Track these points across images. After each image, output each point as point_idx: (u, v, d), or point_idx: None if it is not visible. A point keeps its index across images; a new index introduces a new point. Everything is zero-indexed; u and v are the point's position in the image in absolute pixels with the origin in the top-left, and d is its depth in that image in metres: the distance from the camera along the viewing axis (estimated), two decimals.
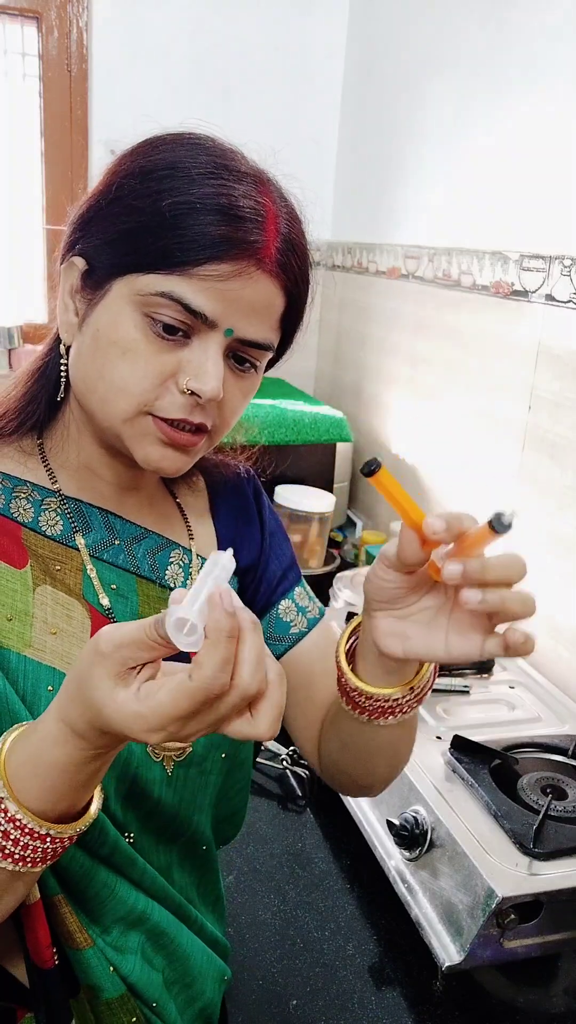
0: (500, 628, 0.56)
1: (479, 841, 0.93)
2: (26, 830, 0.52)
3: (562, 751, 1.12)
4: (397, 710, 0.66)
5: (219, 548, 0.81)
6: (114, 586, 0.71)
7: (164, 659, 0.50)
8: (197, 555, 0.78)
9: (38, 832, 0.52)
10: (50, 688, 0.64)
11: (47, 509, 0.70)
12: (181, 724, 0.47)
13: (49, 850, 0.53)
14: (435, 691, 1.25)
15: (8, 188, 2.15)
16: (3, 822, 0.52)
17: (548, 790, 1.02)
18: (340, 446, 2.00)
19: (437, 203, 1.81)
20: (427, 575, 0.59)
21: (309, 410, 1.97)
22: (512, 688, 1.30)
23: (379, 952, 0.97)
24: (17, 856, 0.52)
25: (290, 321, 0.68)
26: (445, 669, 1.32)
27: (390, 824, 1.02)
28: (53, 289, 0.71)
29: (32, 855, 0.53)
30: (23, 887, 0.56)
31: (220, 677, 0.46)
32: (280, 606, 0.83)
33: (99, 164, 1.49)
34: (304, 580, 0.87)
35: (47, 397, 0.71)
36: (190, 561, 0.77)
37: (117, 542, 0.72)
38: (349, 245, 2.27)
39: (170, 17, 2.11)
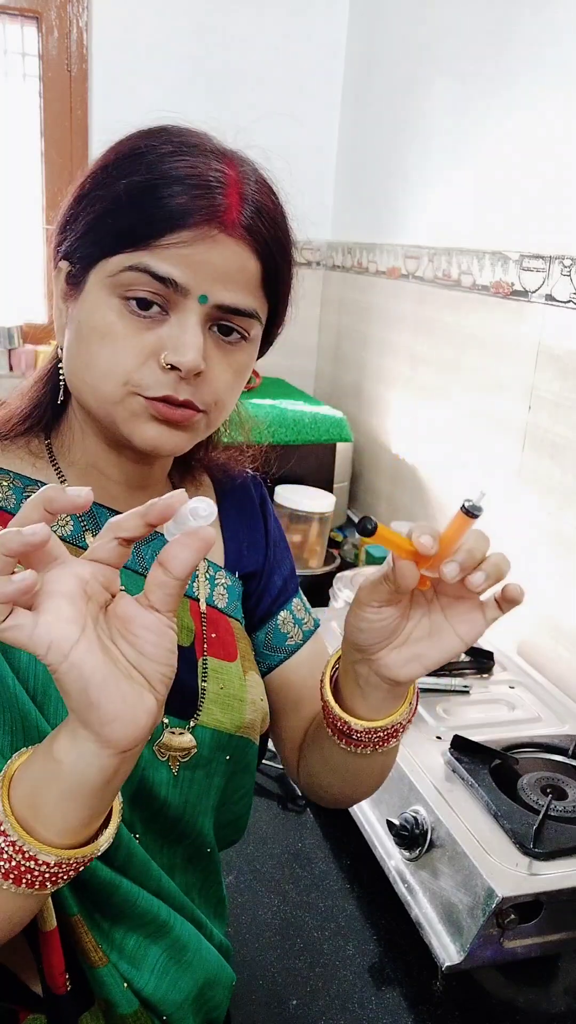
0: (483, 596, 0.61)
1: (479, 841, 0.93)
2: (27, 855, 0.49)
3: (562, 751, 1.12)
4: (399, 731, 0.70)
5: (225, 554, 0.81)
6: (123, 587, 0.71)
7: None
8: (204, 557, 0.78)
9: (30, 853, 0.49)
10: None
11: None
12: None
13: (54, 874, 0.51)
14: (435, 691, 1.25)
15: (8, 188, 2.14)
16: (3, 844, 0.49)
17: (548, 790, 1.02)
18: (340, 446, 2.00)
19: (437, 203, 1.81)
20: (406, 597, 0.63)
21: (309, 410, 1.97)
22: (512, 688, 1.30)
23: (379, 952, 0.97)
24: (19, 872, 0.50)
25: (274, 289, 0.67)
26: (445, 669, 1.32)
27: (390, 824, 1.02)
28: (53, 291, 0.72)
29: (31, 876, 0.50)
30: (34, 905, 0.54)
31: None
32: (279, 617, 0.83)
33: None
34: (301, 591, 0.88)
35: (50, 401, 0.72)
36: None
37: None
38: (349, 245, 2.27)
39: (170, 17, 2.11)
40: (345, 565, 1.92)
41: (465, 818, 0.97)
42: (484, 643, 1.42)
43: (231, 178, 0.62)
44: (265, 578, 0.83)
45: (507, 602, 0.60)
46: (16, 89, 2.11)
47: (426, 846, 0.97)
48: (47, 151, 2.16)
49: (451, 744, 1.08)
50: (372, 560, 1.84)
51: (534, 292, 1.44)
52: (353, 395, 2.25)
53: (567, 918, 0.91)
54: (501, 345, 1.54)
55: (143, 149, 0.62)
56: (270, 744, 0.86)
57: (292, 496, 1.80)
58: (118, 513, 0.72)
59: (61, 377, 0.70)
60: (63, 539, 0.70)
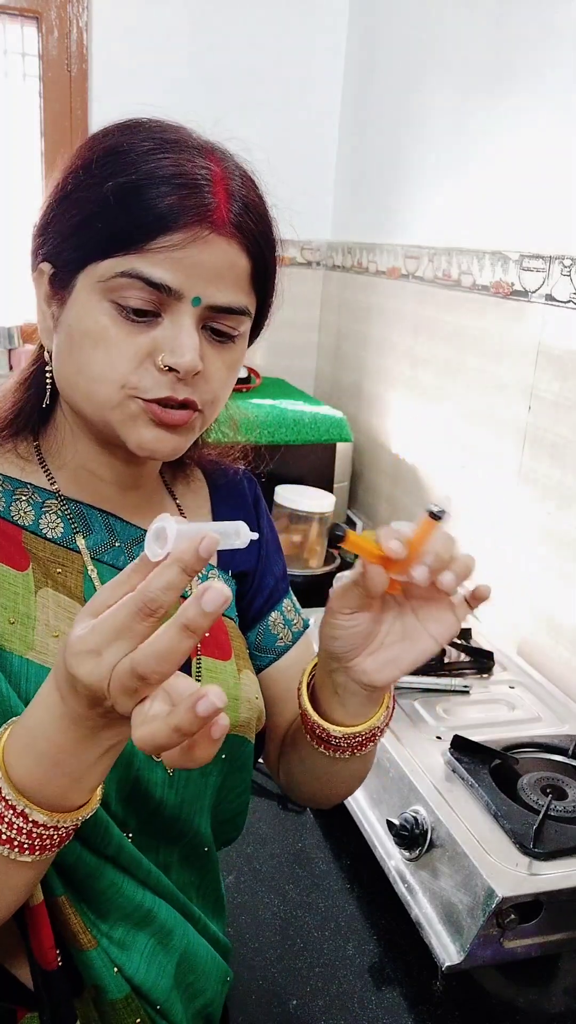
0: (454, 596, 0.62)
1: (479, 841, 0.93)
2: (16, 811, 0.51)
3: (562, 751, 1.12)
4: (377, 735, 0.71)
5: (218, 553, 0.81)
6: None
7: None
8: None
9: (18, 809, 0.51)
10: None
11: (48, 511, 0.70)
12: (110, 639, 0.45)
13: (36, 835, 0.52)
14: (435, 691, 1.25)
15: (8, 188, 2.14)
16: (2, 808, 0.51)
17: (548, 790, 1.02)
18: (340, 446, 2.00)
19: (437, 203, 1.81)
20: (378, 601, 0.64)
21: (309, 410, 1.97)
22: (512, 688, 1.30)
23: (379, 952, 0.97)
24: (4, 837, 0.52)
25: (262, 284, 0.67)
26: (445, 670, 1.32)
27: (390, 824, 1.02)
28: None
29: (19, 838, 0.52)
30: (18, 879, 0.55)
31: (160, 595, 0.45)
32: (270, 618, 0.84)
33: None
34: (291, 592, 0.88)
35: (35, 404, 0.71)
36: None
37: (117, 544, 0.72)
38: (349, 245, 2.27)
39: (170, 17, 2.11)
40: (345, 565, 1.92)
41: (465, 818, 0.97)
42: (484, 643, 1.42)
43: (217, 174, 0.62)
44: (257, 578, 0.83)
45: (476, 600, 0.61)
46: (16, 89, 2.11)
47: (426, 846, 0.97)
48: (47, 151, 2.16)
49: (451, 744, 1.08)
50: None
51: (534, 292, 1.44)
52: (353, 395, 2.25)
53: (567, 918, 0.91)
54: (501, 345, 1.54)
55: (123, 147, 0.62)
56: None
57: (292, 496, 1.80)
58: (109, 514, 0.73)
59: (48, 380, 0.70)
60: (53, 541, 0.69)
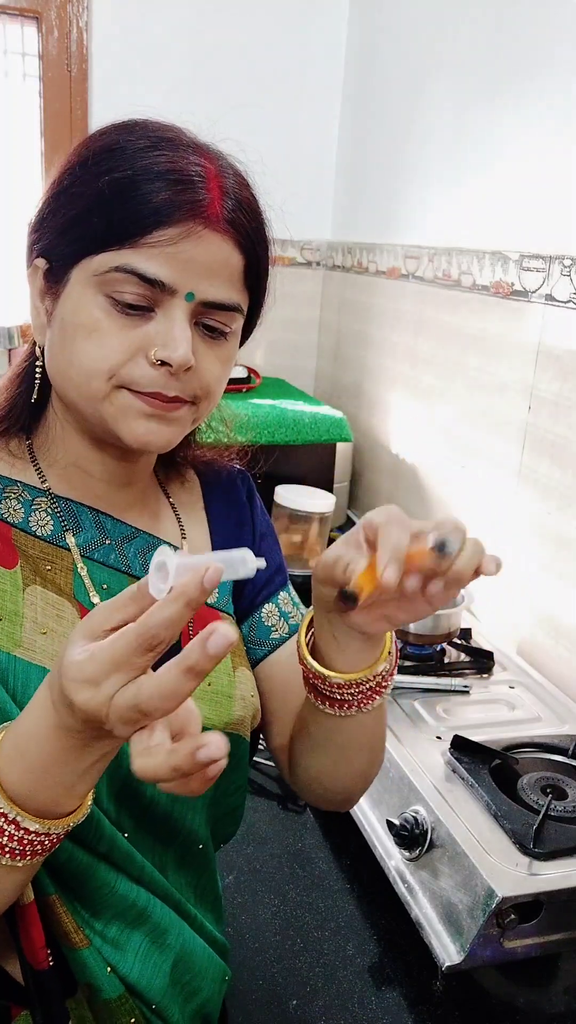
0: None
1: (479, 841, 0.93)
2: (7, 818, 0.51)
3: (562, 751, 1.12)
4: (380, 688, 0.68)
5: (213, 548, 0.81)
6: (105, 586, 0.71)
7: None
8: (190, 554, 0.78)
9: (10, 817, 0.51)
10: None
11: (37, 509, 0.70)
12: (108, 671, 0.46)
13: (27, 842, 0.52)
14: (435, 691, 1.25)
15: (8, 188, 2.14)
16: None
17: (548, 790, 1.02)
18: (340, 446, 2.00)
19: (437, 203, 1.81)
20: None
21: (309, 410, 1.97)
22: (512, 688, 1.30)
23: (379, 952, 0.97)
24: None
25: (255, 282, 0.68)
26: (445, 669, 1.32)
27: (390, 824, 1.02)
28: None
29: (11, 844, 0.52)
30: (7, 882, 0.55)
31: (161, 632, 0.45)
32: (263, 610, 0.83)
33: None
34: (291, 586, 0.87)
35: (27, 401, 0.72)
36: None
37: (108, 541, 0.73)
38: (349, 245, 2.27)
39: (170, 17, 2.11)
40: None
41: (465, 818, 0.97)
42: (484, 643, 1.42)
43: (211, 171, 0.62)
44: None
45: (484, 575, 0.59)
46: (16, 89, 2.11)
47: (426, 846, 0.97)
48: (47, 151, 2.16)
49: (451, 744, 1.08)
50: None
51: (534, 292, 1.44)
52: (353, 395, 2.25)
53: (567, 918, 0.91)
54: (501, 345, 1.54)
55: (120, 144, 0.62)
56: (263, 742, 0.86)
57: (292, 496, 1.80)
58: (100, 512, 0.72)
59: (37, 376, 0.71)
60: (43, 539, 0.70)
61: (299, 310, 2.46)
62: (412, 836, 0.99)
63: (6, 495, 0.69)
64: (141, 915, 0.69)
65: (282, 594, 0.85)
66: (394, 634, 0.70)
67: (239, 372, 2.07)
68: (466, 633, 1.43)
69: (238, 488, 0.85)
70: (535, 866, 0.91)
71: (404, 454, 1.97)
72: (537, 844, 0.92)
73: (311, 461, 1.96)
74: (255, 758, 1.27)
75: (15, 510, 0.69)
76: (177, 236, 0.60)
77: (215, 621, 0.46)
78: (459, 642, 1.38)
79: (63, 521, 0.71)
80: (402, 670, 1.30)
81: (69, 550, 0.70)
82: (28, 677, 0.64)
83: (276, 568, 0.85)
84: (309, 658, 0.68)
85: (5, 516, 0.69)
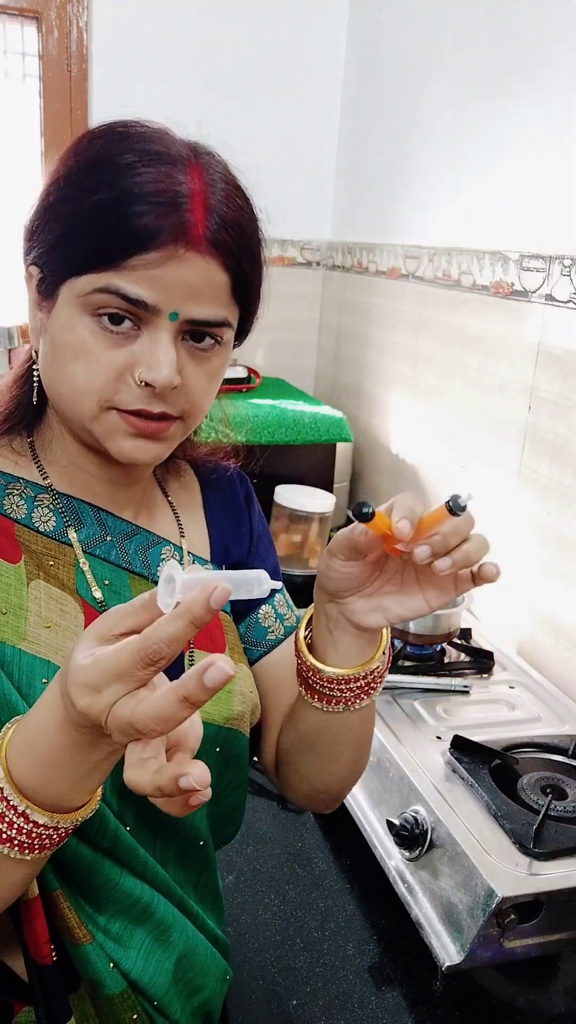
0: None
1: (479, 841, 0.93)
2: (17, 811, 0.51)
3: (562, 751, 1.12)
4: (370, 688, 0.70)
5: (211, 547, 0.82)
6: (107, 581, 0.72)
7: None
8: (188, 552, 0.79)
9: (19, 809, 0.51)
10: (44, 680, 0.64)
11: (40, 505, 0.71)
12: (110, 680, 0.46)
13: (35, 835, 0.52)
14: (435, 691, 1.25)
15: (8, 188, 2.14)
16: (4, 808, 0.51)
17: (548, 790, 1.02)
18: (340, 446, 2.00)
19: (437, 203, 1.81)
20: (381, 552, 0.63)
21: (309, 410, 1.97)
22: (512, 688, 1.30)
23: (379, 952, 0.97)
24: (4, 836, 0.52)
25: (243, 295, 0.67)
26: (445, 669, 1.32)
27: (390, 824, 1.02)
28: None
29: (19, 837, 0.52)
30: (15, 875, 0.55)
31: (163, 648, 0.45)
32: (260, 611, 0.84)
33: None
34: (285, 588, 0.88)
35: (28, 402, 0.73)
36: (181, 558, 0.78)
37: (109, 538, 0.74)
38: (349, 245, 2.27)
39: (170, 17, 2.11)
40: None
41: (465, 818, 0.97)
42: (484, 643, 1.42)
43: (195, 190, 0.62)
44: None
45: (481, 579, 0.61)
46: (16, 89, 2.11)
47: (426, 846, 0.97)
48: (47, 151, 2.16)
49: (451, 744, 1.08)
50: None
51: (534, 292, 1.44)
52: (353, 395, 2.25)
53: (567, 918, 0.91)
54: (501, 345, 1.54)
55: (107, 158, 0.62)
56: None
57: (292, 496, 1.80)
58: (101, 509, 0.73)
59: (35, 379, 0.71)
60: (45, 534, 0.70)
61: (299, 310, 2.46)
62: (412, 836, 0.99)
63: (9, 491, 0.70)
64: (144, 911, 0.69)
65: (278, 595, 0.86)
66: (390, 635, 0.71)
67: (239, 372, 2.07)
68: (466, 633, 1.43)
69: (236, 488, 0.86)
70: (535, 866, 0.91)
71: (404, 454, 1.97)
72: (537, 844, 0.92)
73: (311, 461, 1.96)
74: (256, 758, 1.27)
75: (18, 506, 0.70)
76: (159, 260, 0.60)
77: (215, 654, 0.45)
78: (459, 642, 1.38)
79: (65, 517, 0.72)
80: (402, 670, 1.30)
81: (71, 546, 0.71)
82: (33, 670, 0.64)
83: (272, 570, 0.86)
84: (305, 651, 0.70)
85: (8, 512, 0.70)
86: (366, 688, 0.70)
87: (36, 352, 0.70)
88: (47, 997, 0.65)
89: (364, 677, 0.69)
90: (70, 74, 2.12)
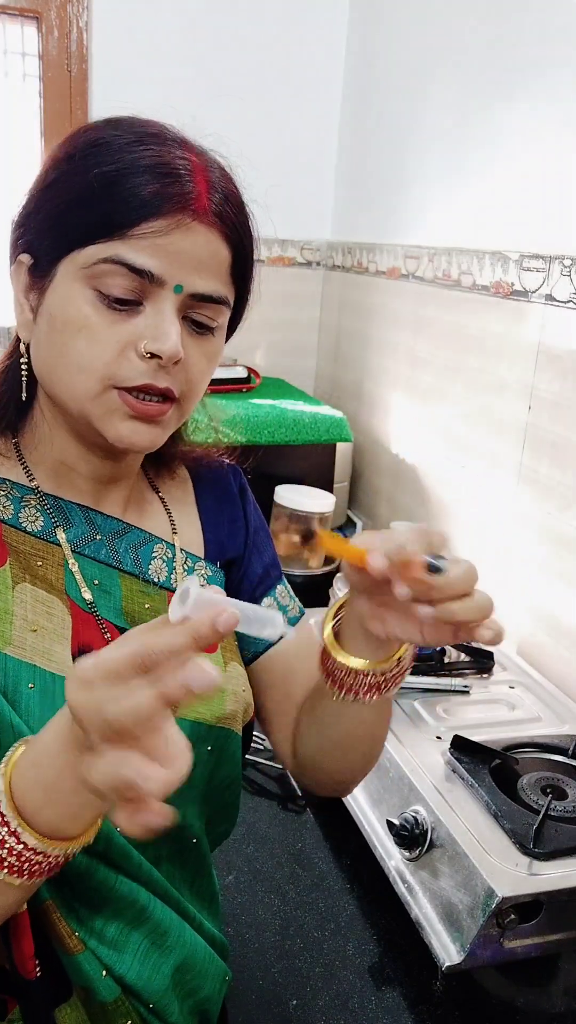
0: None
1: (479, 841, 0.93)
2: (10, 828, 0.51)
3: (562, 751, 1.12)
4: (385, 684, 0.69)
5: (205, 544, 0.82)
6: (97, 581, 0.71)
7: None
8: (181, 549, 0.78)
9: (12, 827, 0.51)
10: (31, 685, 0.64)
11: (27, 506, 0.70)
12: (101, 676, 0.45)
13: (25, 859, 0.52)
14: (435, 691, 1.25)
15: (8, 188, 2.14)
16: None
17: (548, 790, 1.02)
18: (340, 446, 2.00)
19: (437, 203, 1.81)
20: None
21: (309, 410, 1.97)
22: (512, 688, 1.30)
23: (379, 952, 0.97)
24: (5, 864, 0.52)
25: (241, 276, 0.68)
26: (445, 669, 1.32)
27: (390, 824, 1.02)
28: None
29: (9, 858, 0.52)
30: (4, 898, 0.55)
31: (159, 657, 0.45)
32: (263, 604, 0.83)
33: None
34: (285, 579, 0.88)
35: (13, 399, 0.72)
36: (174, 556, 0.77)
37: (99, 537, 0.73)
38: (349, 245, 2.27)
39: (170, 17, 2.11)
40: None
41: (465, 818, 0.97)
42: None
43: (196, 165, 0.63)
44: (244, 564, 0.83)
45: (475, 637, 0.61)
46: (16, 89, 2.11)
47: (426, 846, 0.97)
48: (47, 151, 2.16)
49: (451, 744, 1.08)
50: None
51: (534, 292, 1.44)
52: (353, 395, 2.25)
53: (567, 918, 0.91)
54: (501, 345, 1.54)
55: (105, 139, 0.63)
56: (266, 743, 0.86)
57: (292, 496, 1.80)
58: (89, 508, 0.73)
59: (23, 374, 0.70)
60: (33, 534, 0.70)
61: (299, 310, 2.46)
62: (412, 836, 0.99)
63: None
64: (141, 914, 0.68)
65: (279, 587, 0.85)
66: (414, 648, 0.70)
67: (239, 372, 2.07)
68: None
69: (229, 483, 0.86)
70: (535, 866, 0.91)
71: (404, 454, 1.97)
72: (537, 844, 0.92)
73: (311, 461, 1.96)
74: (256, 759, 1.27)
75: (5, 507, 0.70)
76: (166, 227, 0.61)
77: (201, 656, 0.45)
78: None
79: (53, 517, 0.71)
80: None
81: (60, 545, 0.70)
82: (19, 675, 0.64)
83: (271, 562, 0.86)
84: (329, 630, 0.69)
85: None
86: (375, 686, 0.69)
87: (24, 345, 0.69)
88: (32, 1012, 0.65)
89: (371, 674, 0.68)
90: (70, 74, 2.12)
